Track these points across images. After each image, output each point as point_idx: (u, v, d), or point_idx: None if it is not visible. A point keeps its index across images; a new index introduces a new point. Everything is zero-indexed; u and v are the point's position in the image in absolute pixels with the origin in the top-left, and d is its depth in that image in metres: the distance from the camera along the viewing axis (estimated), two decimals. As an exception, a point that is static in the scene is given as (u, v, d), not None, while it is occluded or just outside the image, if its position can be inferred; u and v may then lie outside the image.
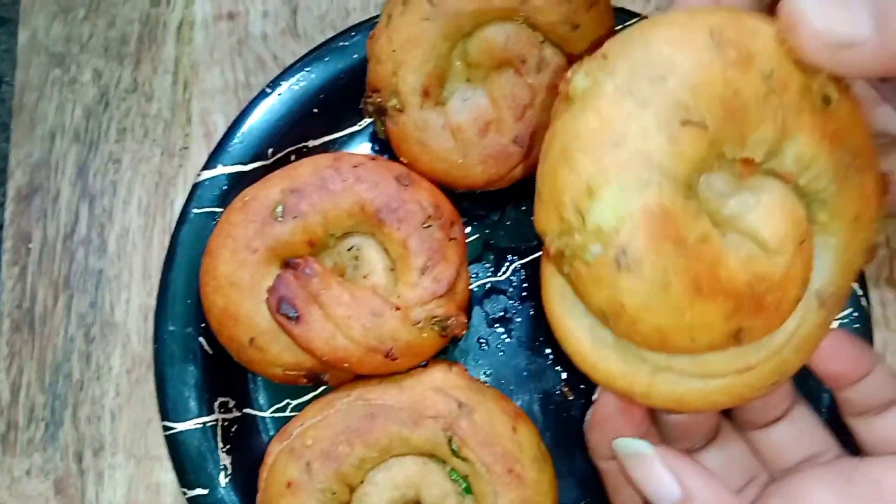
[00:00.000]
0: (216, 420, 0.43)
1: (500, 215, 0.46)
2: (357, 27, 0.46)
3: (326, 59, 0.45)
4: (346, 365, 0.38)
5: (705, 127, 0.27)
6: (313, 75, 0.45)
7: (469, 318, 0.45)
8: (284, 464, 0.38)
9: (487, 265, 0.46)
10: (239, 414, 0.44)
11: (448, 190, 0.42)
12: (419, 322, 0.39)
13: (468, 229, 0.46)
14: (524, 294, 0.46)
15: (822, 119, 0.28)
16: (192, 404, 0.43)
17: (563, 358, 0.44)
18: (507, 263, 0.46)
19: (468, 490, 0.38)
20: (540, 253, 0.46)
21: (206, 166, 0.45)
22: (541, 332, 0.45)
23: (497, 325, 0.45)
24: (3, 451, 0.46)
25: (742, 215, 0.29)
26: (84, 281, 0.48)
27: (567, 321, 0.32)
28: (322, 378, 0.40)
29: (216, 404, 0.43)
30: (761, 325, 0.30)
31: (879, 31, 0.25)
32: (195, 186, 0.45)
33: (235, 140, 0.45)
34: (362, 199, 0.39)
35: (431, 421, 0.38)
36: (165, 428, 0.43)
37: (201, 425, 0.43)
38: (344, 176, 0.40)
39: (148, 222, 0.49)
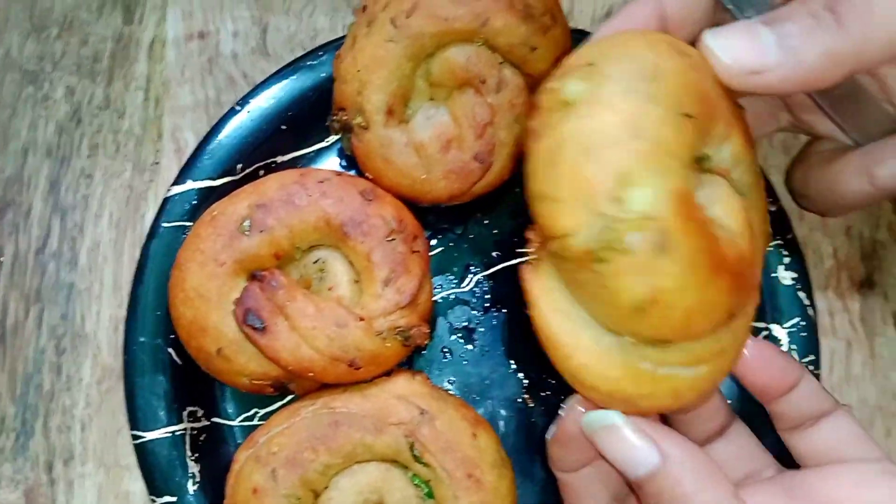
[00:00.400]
0: (185, 429, 0.44)
1: (463, 229, 0.47)
2: (324, 47, 0.47)
3: (294, 77, 0.46)
4: (311, 374, 0.39)
5: (697, 119, 0.29)
6: (282, 93, 0.46)
7: (433, 328, 0.46)
8: (251, 471, 0.39)
9: (451, 277, 0.47)
10: (207, 423, 0.45)
11: (413, 204, 0.43)
12: (382, 332, 0.39)
13: (433, 242, 0.47)
14: (487, 305, 0.47)
15: (744, 122, 0.32)
16: (162, 414, 0.43)
17: (524, 366, 0.46)
18: (470, 275, 0.47)
19: (430, 495, 0.39)
20: (502, 265, 0.47)
21: (177, 181, 0.46)
22: (503, 342, 0.46)
23: (460, 334, 0.46)
24: (-27, 461, 0.47)
25: (708, 207, 0.31)
26: (55, 293, 0.49)
27: (569, 337, 0.32)
28: (288, 387, 0.41)
29: (185, 413, 0.44)
30: (745, 301, 0.31)
31: (785, 57, 0.28)
32: (165, 201, 0.45)
33: (205, 156, 0.46)
34: (327, 213, 0.40)
35: (394, 428, 0.38)
36: (135, 437, 0.43)
37: (170, 434, 0.43)
38: (310, 191, 0.40)
39: (119, 236, 0.49)
